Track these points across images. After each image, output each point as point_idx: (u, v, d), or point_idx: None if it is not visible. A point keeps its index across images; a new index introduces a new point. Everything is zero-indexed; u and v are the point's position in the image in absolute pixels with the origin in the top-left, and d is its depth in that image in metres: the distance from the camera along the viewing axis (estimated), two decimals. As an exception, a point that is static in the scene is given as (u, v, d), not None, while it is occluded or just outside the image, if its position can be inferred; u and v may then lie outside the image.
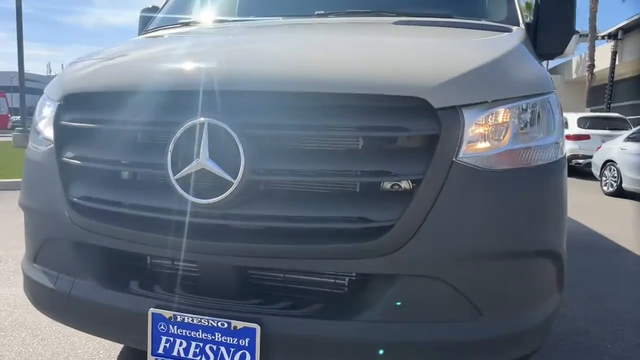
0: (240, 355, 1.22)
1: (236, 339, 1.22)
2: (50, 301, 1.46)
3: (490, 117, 1.26)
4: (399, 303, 1.21)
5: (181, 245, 1.25)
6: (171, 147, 1.22)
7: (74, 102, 1.43)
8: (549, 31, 1.94)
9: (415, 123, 1.20)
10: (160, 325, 1.27)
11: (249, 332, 1.21)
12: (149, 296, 1.33)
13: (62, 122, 1.42)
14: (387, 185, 1.25)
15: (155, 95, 1.29)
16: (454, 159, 1.20)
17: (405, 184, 1.25)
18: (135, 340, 1.32)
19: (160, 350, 1.28)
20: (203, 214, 1.24)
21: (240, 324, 1.21)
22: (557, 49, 2.01)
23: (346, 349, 1.20)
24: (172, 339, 1.27)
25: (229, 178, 1.18)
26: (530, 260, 1.29)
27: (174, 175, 1.22)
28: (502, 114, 1.27)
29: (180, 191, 1.22)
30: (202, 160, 1.19)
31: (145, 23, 2.43)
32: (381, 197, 1.25)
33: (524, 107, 1.31)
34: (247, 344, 1.21)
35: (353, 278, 1.32)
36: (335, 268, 1.24)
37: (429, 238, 1.18)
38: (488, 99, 1.25)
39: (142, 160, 1.31)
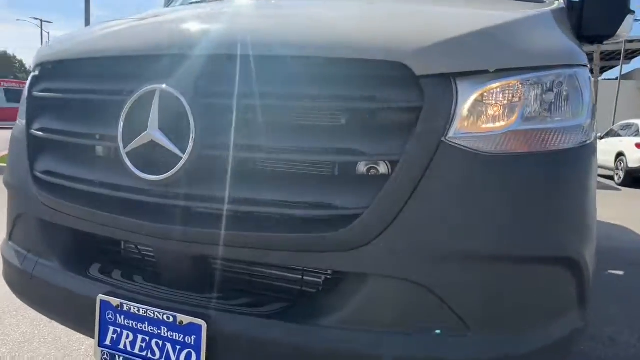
0: (186, 355, 1.08)
1: (182, 336, 1.08)
2: (17, 281, 1.40)
3: (493, 89, 1.03)
4: (367, 308, 1.01)
5: (132, 227, 1.13)
6: (123, 117, 1.10)
7: (43, 72, 1.37)
8: (598, 9, 1.65)
9: (391, 93, 0.99)
10: (108, 314, 1.16)
11: (194, 329, 1.06)
12: (104, 282, 1.22)
13: (33, 93, 1.36)
14: (355, 166, 1.06)
15: (112, 62, 1.18)
16: (442, 139, 0.99)
17: (377, 166, 1.05)
18: (89, 330, 1.21)
19: (108, 342, 1.16)
20: (153, 192, 1.11)
21: (186, 319, 1.07)
22: (607, 30, 1.70)
23: (301, 356, 1.02)
24: (119, 329, 1.15)
25: (178, 152, 1.05)
26: (535, 267, 1.04)
27: (125, 148, 1.10)
28: (509, 87, 1.04)
29: (130, 166, 1.10)
30: (150, 132, 1.07)
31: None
32: (347, 180, 1.06)
33: (540, 79, 1.07)
34: (192, 342, 1.07)
35: (318, 276, 1.13)
36: (291, 261, 1.06)
37: (406, 233, 0.98)
38: (490, 68, 1.02)
39: (97, 132, 1.20)
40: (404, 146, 0.97)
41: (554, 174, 1.06)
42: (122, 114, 1.10)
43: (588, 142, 1.14)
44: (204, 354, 1.05)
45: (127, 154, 1.10)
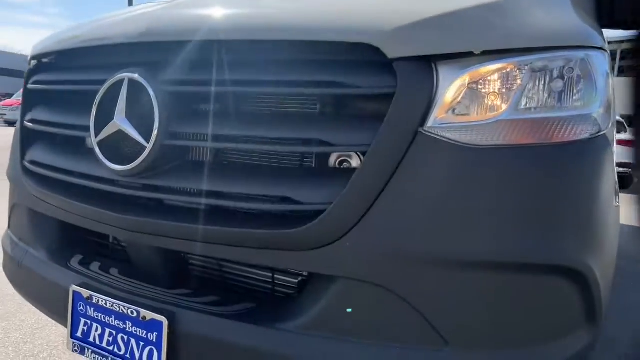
0: (148, 352, 1.04)
1: (145, 332, 1.04)
2: (9, 268, 1.43)
3: (481, 73, 0.92)
4: (331, 314, 0.93)
5: (102, 218, 1.11)
6: (95, 107, 1.09)
7: (34, 65, 1.39)
8: None
9: (362, 78, 0.91)
10: (80, 306, 1.14)
11: (156, 326, 1.02)
12: (80, 273, 1.21)
13: (27, 85, 1.38)
14: (322, 158, 0.98)
15: (89, 52, 1.18)
16: (419, 129, 0.89)
17: (349, 159, 0.96)
18: (66, 321, 1.20)
19: (79, 334, 1.15)
20: (121, 182, 1.08)
21: (149, 315, 1.03)
22: None
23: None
24: (89, 322, 1.13)
25: (142, 142, 1.01)
26: (526, 278, 0.91)
27: (96, 137, 1.08)
28: (500, 71, 0.92)
29: (100, 156, 1.08)
30: (116, 121, 1.04)
31: None
32: (314, 173, 0.98)
33: (541, 63, 0.94)
34: (154, 339, 1.03)
35: (286, 277, 1.07)
36: (249, 259, 0.99)
37: (375, 233, 0.89)
38: (476, 49, 0.91)
39: (74, 122, 1.20)
40: (372, 136, 0.88)
41: (553, 170, 0.93)
42: (94, 104, 1.09)
43: (599, 134, 0.99)
44: (165, 352, 1.01)
45: (98, 143, 1.08)
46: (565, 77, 0.96)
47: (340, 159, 0.99)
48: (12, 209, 1.46)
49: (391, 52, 0.88)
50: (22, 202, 1.39)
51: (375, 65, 0.90)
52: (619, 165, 2.05)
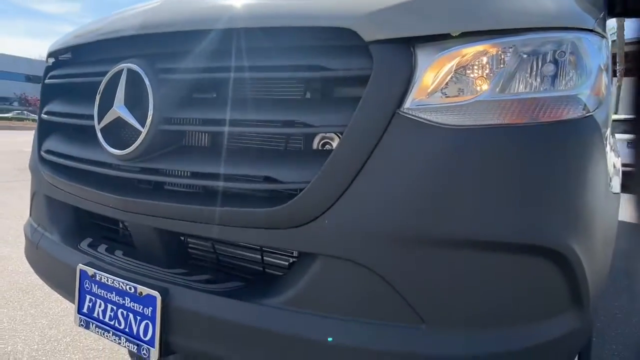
0: (144, 326, 1.10)
1: (141, 307, 1.10)
2: (28, 251, 1.53)
3: (460, 55, 0.93)
4: (313, 290, 0.96)
5: (106, 200, 1.18)
6: (98, 96, 1.17)
7: (51, 62, 1.50)
8: None
9: (339, 62, 0.94)
10: (86, 283, 1.22)
11: (151, 301, 1.08)
12: (87, 253, 1.29)
13: (45, 81, 1.48)
14: (301, 139, 1.01)
15: (94, 46, 1.26)
16: (397, 110, 0.92)
17: (331, 141, 1.00)
18: (74, 297, 1.28)
19: (85, 310, 1.22)
20: (120, 166, 1.15)
21: (145, 290, 1.09)
22: None
23: (244, 334, 0.99)
24: (94, 298, 1.20)
25: (138, 127, 1.08)
26: (505, 257, 0.91)
27: (99, 124, 1.16)
28: (480, 52, 0.94)
29: (102, 142, 1.15)
30: (115, 108, 1.11)
31: None
32: (293, 153, 1.02)
33: (523, 44, 0.95)
34: (149, 314, 1.09)
35: (274, 255, 1.10)
36: (234, 237, 1.03)
37: (352, 211, 0.91)
38: (454, 31, 0.93)
39: (81, 112, 1.28)
40: (348, 117, 0.91)
41: (533, 151, 0.93)
42: (98, 93, 1.17)
43: (586, 116, 0.99)
44: (159, 326, 1.07)
45: (101, 130, 1.16)
46: (548, 59, 0.97)
47: (323, 141, 1.03)
48: (32, 197, 1.56)
49: (367, 35, 0.91)
50: (39, 189, 1.49)
51: (352, 48, 0.94)
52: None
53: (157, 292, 1.06)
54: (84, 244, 1.36)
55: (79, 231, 1.42)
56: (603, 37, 1.11)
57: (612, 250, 1.17)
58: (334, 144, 1.01)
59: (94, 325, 1.20)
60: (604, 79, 1.09)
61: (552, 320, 0.96)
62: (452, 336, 0.90)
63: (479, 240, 0.90)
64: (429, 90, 0.93)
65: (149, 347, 1.09)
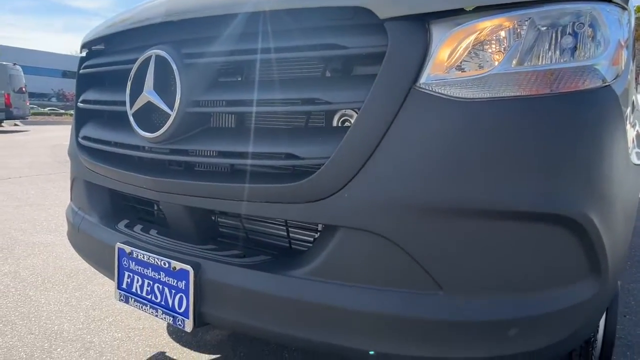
0: (179, 299, 1.17)
1: (175, 281, 1.17)
2: (70, 233, 1.63)
3: (474, 29, 0.95)
4: (335, 261, 1.00)
5: (139, 182, 1.25)
6: (130, 83, 1.23)
7: (85, 53, 1.57)
8: None
9: (356, 40, 0.97)
10: (124, 260, 1.30)
11: (184, 275, 1.15)
12: (125, 233, 1.37)
13: (79, 71, 1.56)
14: (321, 116, 1.05)
15: (126, 35, 1.32)
16: (414, 85, 0.94)
17: (345, 117, 1.03)
18: (114, 275, 1.37)
19: (124, 285, 1.30)
20: (153, 149, 1.22)
21: (178, 265, 1.16)
22: None
23: (272, 304, 1.04)
24: (132, 274, 1.28)
25: (168, 110, 1.14)
26: (520, 226, 0.93)
27: (131, 109, 1.23)
28: (494, 26, 0.95)
29: (135, 126, 1.22)
30: (146, 93, 1.17)
31: None
32: (313, 130, 1.05)
33: (537, 16, 0.95)
34: (183, 287, 1.15)
35: (300, 230, 1.15)
36: (258, 212, 1.08)
37: (371, 184, 0.95)
38: (468, 6, 0.94)
39: (115, 98, 1.35)
40: (365, 94, 0.94)
41: (549, 121, 0.94)
42: (129, 80, 1.23)
43: (602, 86, 0.99)
44: (192, 298, 1.13)
45: (133, 115, 1.22)
46: (566, 31, 0.96)
47: (342, 118, 1.06)
48: (72, 182, 1.66)
49: (382, 13, 0.94)
50: (78, 175, 1.58)
51: (368, 26, 0.96)
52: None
53: (189, 267, 1.13)
54: (121, 225, 1.44)
55: (116, 213, 1.50)
56: (624, 8, 1.10)
57: (632, 221, 1.16)
58: (337, 117, 1.05)
59: (132, 299, 1.28)
60: (624, 52, 1.07)
61: (570, 288, 0.97)
62: (469, 303, 0.93)
63: (495, 209, 0.92)
64: (444, 65, 0.94)
65: (183, 318, 1.16)
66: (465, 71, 0.95)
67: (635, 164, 1.17)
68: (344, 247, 0.99)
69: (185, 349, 2.06)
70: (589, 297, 0.99)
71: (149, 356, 1.99)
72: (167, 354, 2.02)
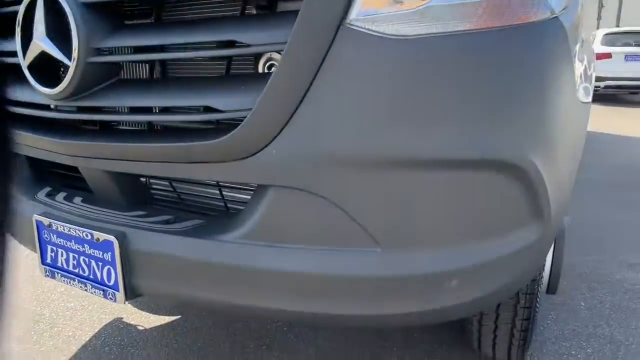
0: (107, 271, 1.06)
1: (101, 252, 1.06)
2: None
3: None
4: (268, 222, 0.90)
5: (53, 147, 1.10)
6: (18, 29, 1.04)
7: None
8: None
9: None
10: (44, 233, 1.17)
11: (108, 246, 1.03)
12: (44, 203, 1.23)
13: None
14: (240, 61, 0.91)
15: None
16: (342, 22, 0.81)
17: (266, 61, 0.89)
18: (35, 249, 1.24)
19: (48, 260, 1.18)
20: (60, 108, 1.06)
21: (101, 236, 1.04)
22: None
23: (210, 271, 0.95)
24: (55, 248, 1.16)
25: (66, 61, 0.97)
26: (461, 173, 0.84)
27: (24, 61, 1.05)
28: None
29: (32, 81, 1.05)
30: (37, 41, 1.00)
31: None
32: (232, 78, 0.92)
33: None
34: (110, 259, 1.05)
35: (234, 188, 1.04)
36: (182, 174, 0.96)
37: (300, 138, 0.83)
38: None
39: (6, 48, 1.16)
40: (286, 35, 0.81)
41: (493, 58, 0.83)
42: (17, 25, 1.04)
43: (549, 18, 0.88)
44: (120, 270, 1.03)
45: (28, 67, 1.05)
46: None
47: (269, 62, 0.93)
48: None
49: None
50: None
51: None
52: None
53: (113, 237, 1.01)
54: (41, 194, 1.29)
55: (37, 180, 1.35)
56: None
57: (577, 160, 1.10)
58: (259, 62, 0.91)
59: (59, 274, 1.17)
60: None
61: (513, 235, 0.91)
62: (408, 256, 0.86)
63: (434, 158, 0.83)
64: None
65: (114, 291, 1.06)
66: (402, 3, 0.82)
67: (583, 102, 1.10)
68: (276, 207, 0.89)
69: (143, 312, 1.99)
70: (532, 242, 0.94)
71: (104, 324, 1.91)
72: (124, 319, 1.94)
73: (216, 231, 0.96)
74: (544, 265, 1.26)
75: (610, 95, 9.99)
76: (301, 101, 0.82)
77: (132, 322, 1.91)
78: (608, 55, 9.07)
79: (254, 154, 0.85)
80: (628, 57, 8.95)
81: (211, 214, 1.08)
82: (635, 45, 8.99)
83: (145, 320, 1.92)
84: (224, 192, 1.09)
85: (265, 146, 0.84)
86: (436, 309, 0.90)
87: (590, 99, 1.20)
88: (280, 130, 0.83)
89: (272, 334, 1.79)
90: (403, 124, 0.81)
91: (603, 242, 2.63)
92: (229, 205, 1.07)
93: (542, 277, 1.34)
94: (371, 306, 0.88)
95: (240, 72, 0.95)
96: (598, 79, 9.09)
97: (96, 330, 1.85)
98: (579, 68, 1.05)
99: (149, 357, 1.68)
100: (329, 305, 0.88)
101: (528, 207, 0.91)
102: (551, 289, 1.49)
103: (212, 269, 0.94)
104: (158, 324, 1.89)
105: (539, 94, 0.86)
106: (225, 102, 0.86)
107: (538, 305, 1.51)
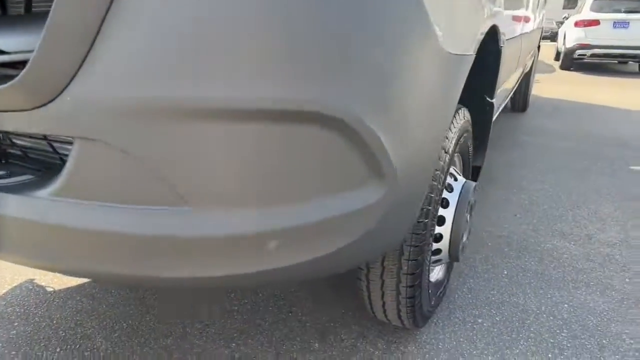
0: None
1: None
2: None
3: None
4: (78, 176, 0.82)
5: None
6: None
7: None
8: None
9: None
10: None
11: None
12: None
13: None
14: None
15: None
16: None
17: None
18: None
19: None
20: None
21: None
22: None
23: (20, 228, 0.88)
24: None
25: None
26: (277, 126, 0.76)
27: None
28: None
29: None
30: None
31: None
32: (23, 16, 0.82)
33: None
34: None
35: (60, 141, 0.96)
36: None
37: (95, 84, 0.74)
38: None
39: None
40: None
41: None
42: None
43: None
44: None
45: None
46: None
47: None
48: None
49: None
50: None
51: None
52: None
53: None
54: None
55: None
56: None
57: (445, 118, 1.00)
58: None
59: None
60: None
61: (347, 194, 0.84)
62: (220, 217, 0.79)
63: (237, 108, 0.74)
64: None
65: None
66: None
67: (455, 54, 1.00)
68: (82, 160, 0.80)
69: (57, 274, 1.94)
70: (373, 202, 0.86)
71: (15, 284, 1.86)
72: (35, 281, 1.90)
73: (34, 187, 0.89)
74: (424, 232, 1.20)
75: (599, 64, 9.81)
76: (94, 40, 0.72)
77: (42, 284, 1.86)
78: (596, 22, 8.84)
79: (51, 101, 0.76)
80: (617, 24, 8.73)
81: (47, 169, 1.00)
82: (625, 12, 8.74)
83: (58, 282, 1.88)
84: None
85: (60, 93, 0.75)
86: (261, 272, 0.84)
87: (471, 50, 1.10)
88: (75, 74, 0.74)
89: (177, 293, 1.75)
90: (199, 68, 0.72)
91: (546, 210, 2.58)
92: (62, 158, 0.98)
93: (432, 244, 1.28)
94: (186, 269, 0.82)
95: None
96: (584, 46, 8.90)
97: (3, 292, 1.81)
98: (444, 9, 0.95)
99: (50, 318, 1.64)
100: (142, 267, 0.82)
101: (363, 166, 0.83)
102: (452, 256, 1.44)
103: (26, 227, 0.87)
104: (68, 285, 1.85)
105: (364, 38, 0.77)
106: (10, 41, 0.77)
107: (430, 265, 1.47)
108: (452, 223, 1.38)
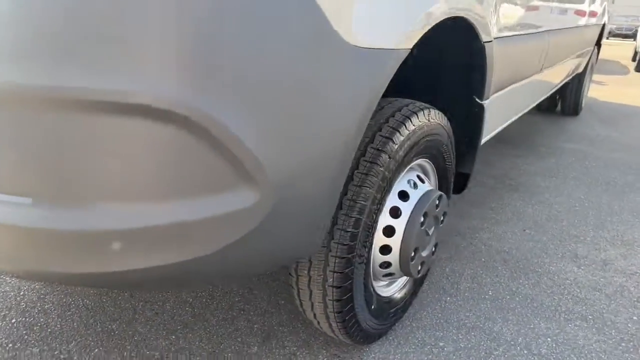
0: None
1: None
2: None
3: None
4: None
5: None
6: None
7: None
8: None
9: None
10: None
11: None
12: None
13: None
14: None
15: None
16: None
17: None
18: None
19: None
20: None
21: None
22: None
23: None
24: None
25: None
26: (119, 120, 0.68)
27: None
28: None
29: None
30: None
31: None
32: None
33: None
34: None
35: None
36: None
37: None
38: None
39: None
40: None
41: None
42: None
43: None
44: None
45: None
46: None
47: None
48: None
49: None
50: None
51: None
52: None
53: None
54: None
55: None
56: None
57: (337, 118, 0.86)
58: None
59: None
60: None
61: (210, 198, 0.75)
62: (59, 211, 0.73)
63: (75, 98, 0.67)
64: None
65: None
66: None
67: (365, 47, 0.86)
68: None
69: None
70: (245, 208, 0.77)
71: None
72: None
73: None
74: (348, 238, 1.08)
75: None
76: None
77: None
78: None
79: None
80: None
81: None
82: None
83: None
84: None
85: None
86: (109, 273, 0.77)
87: (402, 44, 0.96)
88: None
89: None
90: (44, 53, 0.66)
91: (564, 228, 2.33)
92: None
93: (362, 249, 1.17)
94: (30, 262, 0.78)
95: None
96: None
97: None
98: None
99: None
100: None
101: (227, 168, 0.74)
102: (404, 271, 1.31)
103: None
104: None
105: (231, 29, 0.68)
106: None
107: (377, 279, 1.35)
108: (403, 235, 1.25)
